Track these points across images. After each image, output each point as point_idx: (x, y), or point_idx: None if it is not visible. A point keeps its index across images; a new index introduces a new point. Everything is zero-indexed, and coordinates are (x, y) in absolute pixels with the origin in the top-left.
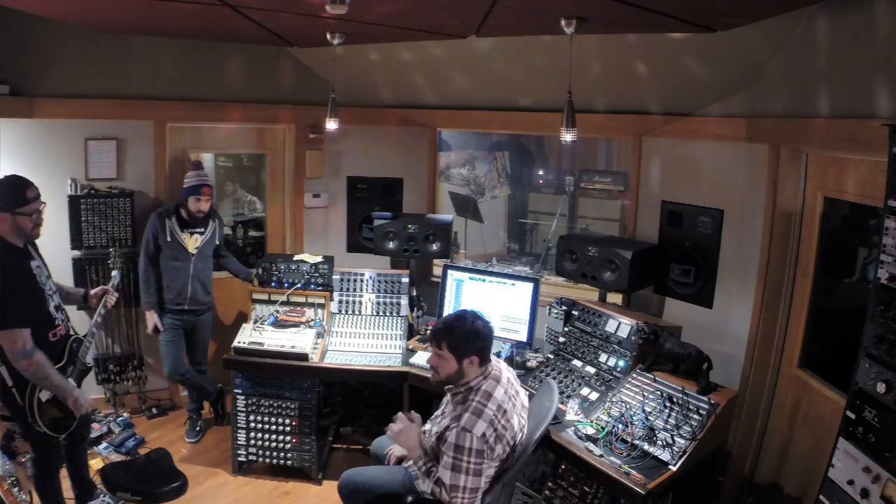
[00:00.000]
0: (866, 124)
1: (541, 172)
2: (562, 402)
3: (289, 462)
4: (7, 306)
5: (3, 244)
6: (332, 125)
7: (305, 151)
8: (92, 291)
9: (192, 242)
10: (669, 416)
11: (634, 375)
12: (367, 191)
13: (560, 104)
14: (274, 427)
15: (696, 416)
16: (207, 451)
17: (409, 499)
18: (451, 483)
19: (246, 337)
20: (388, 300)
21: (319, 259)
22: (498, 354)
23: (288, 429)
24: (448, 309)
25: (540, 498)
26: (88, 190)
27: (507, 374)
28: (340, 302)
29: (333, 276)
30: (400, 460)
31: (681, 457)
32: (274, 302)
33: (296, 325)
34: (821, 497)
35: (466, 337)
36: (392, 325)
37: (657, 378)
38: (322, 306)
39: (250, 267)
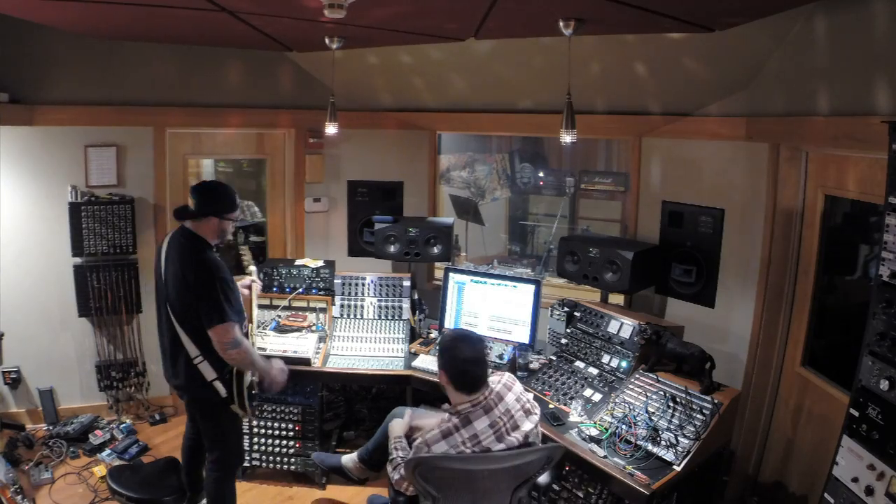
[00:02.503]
0: (866, 121)
1: (541, 174)
2: (565, 404)
3: (292, 467)
4: (224, 301)
5: (206, 244)
6: (331, 129)
7: (305, 156)
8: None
9: None
10: (673, 416)
11: (637, 376)
12: (367, 195)
13: (559, 105)
14: (277, 432)
15: (699, 416)
16: None
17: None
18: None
19: None
20: (389, 304)
21: (321, 263)
22: (501, 357)
23: (291, 434)
24: (450, 312)
25: (544, 499)
26: (89, 197)
27: (509, 399)
28: (342, 306)
29: (335, 281)
30: (413, 431)
31: (685, 457)
32: (276, 307)
33: (298, 329)
34: (825, 495)
35: (440, 353)
36: (394, 328)
37: (660, 378)
38: (324, 311)
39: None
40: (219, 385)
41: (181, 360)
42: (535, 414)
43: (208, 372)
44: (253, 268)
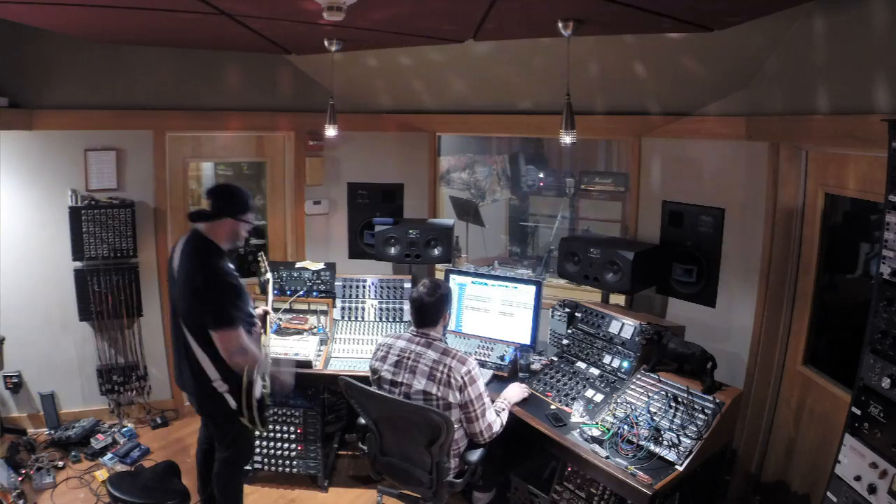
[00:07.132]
0: (865, 120)
1: (541, 175)
2: (567, 405)
3: (294, 470)
4: (230, 306)
5: (217, 249)
6: (331, 132)
7: (305, 158)
8: (258, 321)
9: None
10: (675, 415)
11: (639, 376)
12: (367, 197)
13: (559, 106)
14: (279, 435)
15: (701, 416)
16: None
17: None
18: None
19: None
20: (390, 306)
21: (321, 266)
22: (502, 358)
23: (293, 436)
24: (451, 313)
25: (547, 499)
26: (89, 201)
27: (430, 354)
28: (343, 308)
29: (335, 283)
30: None
31: (687, 456)
32: (276, 310)
33: (299, 332)
34: (828, 494)
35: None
36: (395, 330)
37: (662, 378)
38: (325, 313)
39: (252, 275)
40: (229, 397)
41: (191, 368)
42: (449, 388)
43: (218, 384)
44: (269, 276)
